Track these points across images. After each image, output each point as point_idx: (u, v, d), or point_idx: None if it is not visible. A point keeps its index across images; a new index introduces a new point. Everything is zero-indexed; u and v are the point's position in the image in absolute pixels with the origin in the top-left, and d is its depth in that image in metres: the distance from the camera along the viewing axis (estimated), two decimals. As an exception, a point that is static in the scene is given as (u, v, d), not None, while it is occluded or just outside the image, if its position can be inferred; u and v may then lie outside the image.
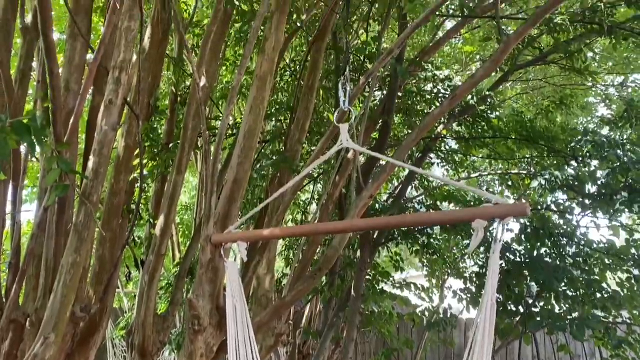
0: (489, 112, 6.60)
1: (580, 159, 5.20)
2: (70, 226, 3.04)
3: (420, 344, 8.09)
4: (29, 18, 5.36)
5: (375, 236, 5.88)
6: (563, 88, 8.90)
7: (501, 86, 8.36)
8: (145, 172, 5.23)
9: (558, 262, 4.98)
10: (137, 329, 4.34)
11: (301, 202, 8.33)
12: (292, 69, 6.30)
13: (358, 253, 5.52)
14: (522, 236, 5.36)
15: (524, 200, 6.23)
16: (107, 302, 4.91)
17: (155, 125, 5.45)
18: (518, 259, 5.12)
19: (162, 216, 4.44)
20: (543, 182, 4.60)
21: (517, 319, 5.95)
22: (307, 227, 2.91)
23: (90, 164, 3.03)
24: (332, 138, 4.11)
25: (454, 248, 9.35)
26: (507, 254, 5.57)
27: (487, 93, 5.57)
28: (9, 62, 3.83)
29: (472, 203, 6.35)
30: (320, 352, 5.56)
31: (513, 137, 6.11)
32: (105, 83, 3.83)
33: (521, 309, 5.91)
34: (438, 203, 6.61)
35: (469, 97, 5.44)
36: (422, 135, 3.72)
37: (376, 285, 7.39)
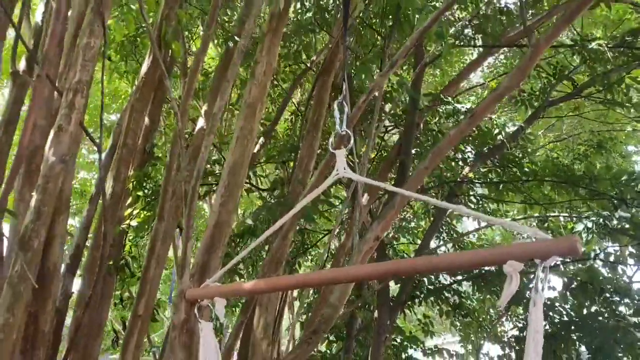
0: (520, 156, 5.95)
1: (631, 201, 4.46)
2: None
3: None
4: (21, 63, 5.10)
5: (396, 295, 5.16)
6: (601, 132, 8.22)
7: (533, 134, 7.74)
8: (135, 223, 4.72)
9: (612, 323, 4.15)
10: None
11: (316, 259, 7.67)
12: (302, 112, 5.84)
13: (376, 314, 4.81)
14: (568, 293, 4.57)
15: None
16: (85, 372, 4.31)
17: (150, 172, 4.99)
18: (565, 319, 4.31)
19: (142, 272, 3.88)
20: (590, 224, 3.86)
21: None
22: (297, 278, 2.28)
23: (32, 202, 2.52)
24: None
25: (491, 310, 8.48)
26: (552, 313, 4.76)
27: (520, 125, 4.93)
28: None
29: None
30: None
31: (549, 180, 5.39)
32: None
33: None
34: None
35: (497, 132, 4.82)
36: (437, 162, 3.12)
37: (403, 352, 6.58)
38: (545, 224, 5.56)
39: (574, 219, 4.90)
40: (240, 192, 3.17)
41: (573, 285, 4.54)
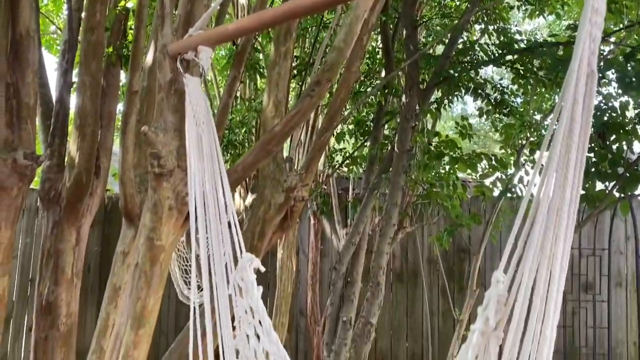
0: None
1: None
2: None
3: (490, 219, 6.98)
4: None
5: (427, 77, 4.64)
6: None
7: None
8: (130, 4, 4.22)
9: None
10: (119, 188, 3.55)
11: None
12: None
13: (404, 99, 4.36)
14: (629, 65, 3.94)
15: None
16: (100, 162, 4.20)
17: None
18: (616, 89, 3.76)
19: (132, 44, 3.47)
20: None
21: (613, 184, 4.69)
22: (287, 5, 1.76)
23: None
24: None
25: (536, 112, 7.94)
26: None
27: None
28: None
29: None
30: (360, 220, 4.61)
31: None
32: None
33: (619, 172, 4.63)
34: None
35: None
36: None
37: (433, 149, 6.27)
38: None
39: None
40: None
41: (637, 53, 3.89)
